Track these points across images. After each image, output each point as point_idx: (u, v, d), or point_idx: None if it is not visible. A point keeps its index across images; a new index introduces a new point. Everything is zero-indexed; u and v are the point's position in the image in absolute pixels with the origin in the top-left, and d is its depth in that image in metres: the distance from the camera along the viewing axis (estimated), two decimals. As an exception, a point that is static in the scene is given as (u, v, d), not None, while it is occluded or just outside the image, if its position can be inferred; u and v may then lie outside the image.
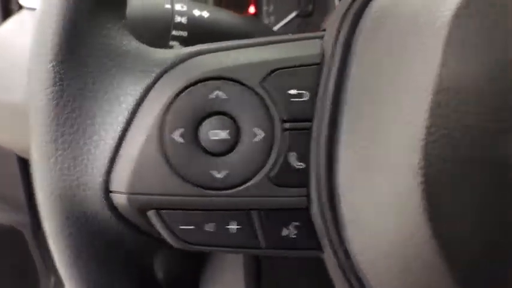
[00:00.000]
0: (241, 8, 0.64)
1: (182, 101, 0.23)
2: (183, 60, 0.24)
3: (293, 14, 0.62)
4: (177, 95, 0.23)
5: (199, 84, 0.23)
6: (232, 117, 0.23)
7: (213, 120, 0.23)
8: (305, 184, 0.22)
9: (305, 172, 0.22)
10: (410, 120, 0.19)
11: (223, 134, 0.23)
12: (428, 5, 0.19)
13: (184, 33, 0.36)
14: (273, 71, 0.23)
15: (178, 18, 0.36)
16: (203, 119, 0.23)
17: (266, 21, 0.64)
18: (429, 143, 0.18)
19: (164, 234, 0.24)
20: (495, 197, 0.18)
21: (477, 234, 0.18)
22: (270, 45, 0.25)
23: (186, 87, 0.23)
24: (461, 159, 0.18)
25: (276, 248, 0.24)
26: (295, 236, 0.23)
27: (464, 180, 0.18)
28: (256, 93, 0.23)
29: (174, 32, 0.36)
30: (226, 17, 0.39)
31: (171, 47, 0.37)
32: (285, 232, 0.23)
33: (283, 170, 0.22)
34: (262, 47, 0.24)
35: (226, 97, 0.23)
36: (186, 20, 0.36)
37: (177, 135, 0.23)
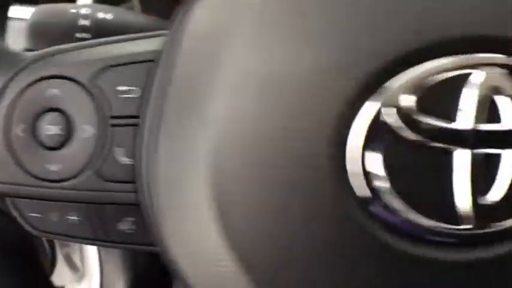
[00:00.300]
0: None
1: (24, 98, 0.25)
2: (37, 60, 0.26)
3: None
4: (22, 92, 0.25)
5: (37, 82, 0.25)
6: (65, 114, 0.24)
7: (47, 116, 0.24)
8: (134, 180, 0.24)
9: (133, 168, 0.24)
10: (209, 124, 0.20)
11: (55, 130, 0.24)
12: None
13: (87, 35, 0.38)
14: (104, 68, 0.24)
15: (82, 21, 0.38)
16: (40, 115, 0.25)
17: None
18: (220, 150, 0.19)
19: (18, 219, 0.26)
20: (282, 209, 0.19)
21: (269, 242, 0.20)
22: (114, 43, 0.26)
23: (28, 85, 0.25)
24: (250, 170, 0.19)
25: (115, 242, 0.25)
26: (132, 231, 0.25)
27: (251, 191, 0.19)
28: (88, 90, 0.24)
29: (77, 35, 0.38)
30: (132, 18, 0.40)
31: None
32: (121, 226, 0.25)
33: (111, 166, 0.24)
34: (105, 45, 0.26)
35: (60, 94, 0.24)
36: (89, 23, 0.38)
37: (19, 130, 0.25)
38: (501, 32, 0.19)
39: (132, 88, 0.24)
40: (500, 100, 0.19)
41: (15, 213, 0.26)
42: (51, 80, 0.25)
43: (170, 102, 0.23)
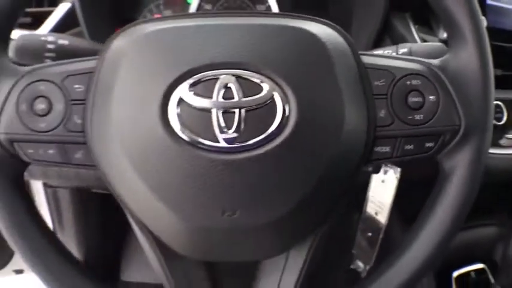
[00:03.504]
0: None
1: (25, 91, 0.47)
2: (30, 71, 0.48)
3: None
4: (23, 88, 0.47)
5: (32, 83, 0.47)
6: (47, 98, 0.47)
7: (38, 99, 0.47)
8: (83, 130, 0.47)
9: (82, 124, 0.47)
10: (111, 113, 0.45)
11: (42, 106, 0.46)
12: None
13: (53, 54, 0.59)
14: (67, 76, 0.47)
15: (48, 45, 0.59)
16: (34, 99, 0.47)
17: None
18: None
19: (21, 155, 0.47)
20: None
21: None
22: (71, 63, 0.49)
23: (27, 85, 0.47)
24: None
25: (73, 164, 0.48)
26: (82, 158, 0.48)
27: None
28: (59, 87, 0.47)
29: (46, 54, 0.60)
30: (81, 43, 0.63)
31: (46, 62, 0.60)
32: (76, 155, 0.47)
33: (71, 124, 0.46)
34: (66, 64, 0.48)
35: (44, 89, 0.47)
36: (53, 46, 0.59)
37: (23, 107, 0.46)
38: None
39: (81, 86, 0.47)
40: (233, 84, 0.43)
41: (20, 152, 0.47)
42: (40, 82, 0.47)
43: (97, 95, 0.46)
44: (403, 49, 0.60)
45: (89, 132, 0.45)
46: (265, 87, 0.43)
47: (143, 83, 0.43)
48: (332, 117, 0.44)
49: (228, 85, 0.43)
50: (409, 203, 0.77)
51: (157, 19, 0.47)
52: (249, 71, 0.43)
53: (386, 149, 0.47)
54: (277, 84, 0.43)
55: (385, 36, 0.81)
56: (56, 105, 0.46)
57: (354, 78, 0.46)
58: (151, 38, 0.44)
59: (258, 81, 0.43)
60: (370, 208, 0.82)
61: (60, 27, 0.75)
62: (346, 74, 0.45)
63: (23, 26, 0.78)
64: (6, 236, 0.49)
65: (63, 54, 0.60)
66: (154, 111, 0.43)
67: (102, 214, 1.31)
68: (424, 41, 0.78)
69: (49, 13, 0.77)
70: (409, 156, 0.48)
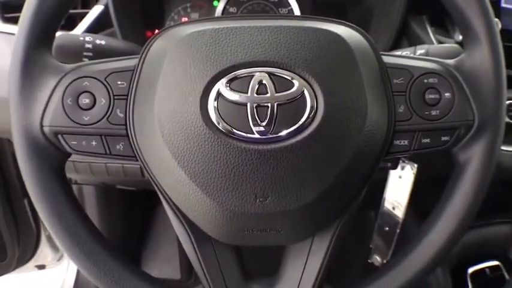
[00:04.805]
0: (151, 31, 0.92)
1: (71, 87, 0.50)
2: (74, 68, 0.52)
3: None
4: (69, 84, 0.50)
5: (77, 79, 0.50)
6: (92, 94, 0.50)
7: (83, 94, 0.50)
8: (124, 123, 0.51)
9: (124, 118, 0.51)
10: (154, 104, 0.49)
11: (87, 101, 0.50)
12: None
13: (90, 54, 0.63)
14: (111, 73, 0.50)
15: (86, 45, 0.63)
16: (80, 93, 0.50)
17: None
18: None
19: (65, 146, 0.50)
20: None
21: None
22: (112, 62, 0.53)
23: (73, 81, 0.51)
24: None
25: (115, 155, 0.51)
26: (123, 150, 0.51)
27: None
28: (103, 83, 0.50)
29: (84, 53, 0.63)
30: (116, 43, 0.66)
31: (84, 61, 0.64)
32: (117, 147, 0.50)
33: (114, 117, 0.50)
34: (107, 63, 0.52)
35: (89, 85, 0.50)
36: (91, 46, 0.63)
37: (68, 101, 0.50)
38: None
39: (124, 82, 0.50)
40: (266, 81, 0.46)
41: (63, 143, 0.50)
42: (84, 78, 0.50)
43: (138, 90, 0.50)
44: (420, 50, 0.64)
45: (131, 125, 0.49)
46: (296, 83, 0.46)
47: (184, 79, 0.46)
48: (356, 112, 0.47)
49: (262, 81, 0.46)
50: (425, 199, 0.79)
51: (195, 21, 0.51)
52: (281, 69, 0.46)
53: (405, 142, 0.50)
54: (306, 81, 0.47)
55: (403, 38, 0.83)
56: (99, 100, 0.49)
57: (376, 77, 0.49)
58: (191, 39, 0.47)
59: (289, 78, 0.47)
60: (388, 203, 0.85)
61: (93, 28, 0.79)
62: (368, 73, 0.49)
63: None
64: (47, 225, 0.52)
65: (99, 53, 0.64)
66: (195, 104, 0.46)
67: (125, 211, 1.35)
68: (440, 42, 0.81)
69: (82, 15, 0.80)
70: (426, 149, 0.51)
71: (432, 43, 0.80)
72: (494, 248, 1.11)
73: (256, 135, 0.45)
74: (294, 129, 0.45)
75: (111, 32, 0.79)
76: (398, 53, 0.64)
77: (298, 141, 0.45)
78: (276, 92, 0.46)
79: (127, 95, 0.49)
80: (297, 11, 0.91)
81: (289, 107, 0.46)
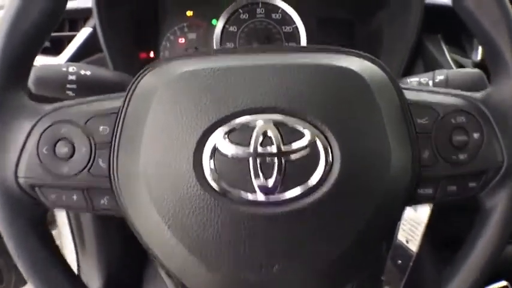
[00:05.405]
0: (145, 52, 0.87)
1: (47, 132, 0.44)
2: (51, 111, 0.45)
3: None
4: (45, 129, 0.44)
5: (54, 124, 0.44)
6: (71, 142, 0.44)
7: (60, 142, 0.44)
8: (108, 175, 0.44)
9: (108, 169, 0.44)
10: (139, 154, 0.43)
11: (65, 150, 0.44)
12: None
13: (74, 86, 0.57)
14: (92, 117, 0.44)
15: (70, 77, 0.57)
16: (57, 141, 0.44)
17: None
18: None
19: (42, 200, 0.44)
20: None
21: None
22: (95, 101, 0.46)
23: (49, 126, 0.44)
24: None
25: (98, 210, 0.44)
26: (107, 204, 0.44)
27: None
28: (83, 129, 0.44)
29: (68, 85, 0.57)
30: (103, 73, 0.60)
31: (67, 94, 0.58)
32: (101, 201, 0.44)
33: (96, 168, 0.43)
34: (90, 103, 0.46)
35: (67, 131, 0.44)
36: (75, 77, 0.57)
37: (44, 149, 0.44)
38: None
39: (106, 127, 0.44)
40: (272, 131, 0.40)
41: (41, 197, 0.44)
42: (61, 123, 0.44)
43: (123, 137, 0.44)
44: (440, 76, 0.58)
45: (115, 178, 0.43)
46: (307, 133, 0.40)
47: (175, 130, 0.40)
48: (378, 161, 0.42)
49: (267, 132, 0.40)
50: (440, 230, 0.74)
51: (188, 57, 0.45)
52: (289, 116, 0.40)
53: (429, 190, 0.45)
54: (319, 129, 0.40)
55: (417, 58, 0.77)
56: (79, 149, 0.43)
57: (398, 117, 0.44)
58: (183, 80, 0.41)
59: (299, 127, 0.40)
60: (401, 236, 0.80)
61: (81, 53, 0.73)
62: (390, 114, 0.43)
63: (42, 51, 0.76)
64: (28, 280, 0.46)
65: (84, 85, 0.58)
66: (188, 160, 0.40)
67: (124, 236, 1.29)
68: (456, 62, 0.75)
69: (70, 38, 0.75)
70: (451, 197, 0.46)
71: (448, 63, 0.74)
72: (504, 269, 1.06)
73: (261, 197, 0.40)
74: (306, 189, 0.40)
75: (101, 57, 0.73)
76: (415, 79, 0.58)
77: (310, 202, 0.40)
78: (284, 144, 0.40)
79: (110, 143, 0.43)
80: (301, 29, 0.86)
81: (299, 161, 0.40)
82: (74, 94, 0.57)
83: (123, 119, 0.43)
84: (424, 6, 0.73)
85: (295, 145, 0.40)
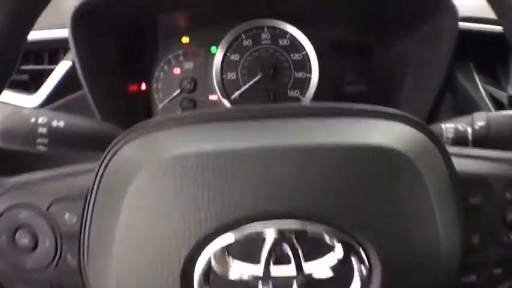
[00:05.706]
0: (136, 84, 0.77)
1: (3, 218, 0.36)
2: (11, 187, 0.36)
3: (177, 91, 0.75)
4: (2, 213, 0.35)
5: (12, 208, 0.35)
6: (31, 229, 0.35)
7: (21, 230, 0.35)
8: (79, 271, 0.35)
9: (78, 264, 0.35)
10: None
11: (26, 241, 0.35)
12: None
13: (45, 140, 0.48)
14: (56, 200, 0.35)
15: (40, 129, 0.48)
16: (16, 229, 0.35)
17: (155, 96, 0.77)
18: None
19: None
20: None
21: None
22: (64, 177, 0.37)
23: (6, 209, 0.36)
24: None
25: None
26: None
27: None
28: (45, 216, 0.35)
29: (38, 140, 0.48)
30: (81, 123, 0.51)
31: (39, 150, 0.48)
32: None
33: (63, 263, 0.35)
34: (56, 180, 0.37)
35: (28, 217, 0.35)
36: (46, 130, 0.48)
37: (2, 237, 0.35)
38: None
39: (73, 214, 0.35)
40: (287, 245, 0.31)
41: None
42: (19, 207, 0.35)
43: (93, 226, 0.34)
44: (480, 122, 0.49)
45: (87, 276, 0.34)
46: (337, 245, 0.30)
47: (156, 237, 0.31)
48: (425, 259, 0.33)
49: (282, 245, 0.30)
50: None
51: (179, 121, 0.35)
52: (311, 221, 0.30)
53: (473, 277, 0.37)
54: (352, 236, 0.30)
55: (446, 89, 0.68)
56: (42, 241, 0.35)
57: (448, 198, 0.34)
58: (170, 169, 0.31)
59: (326, 237, 0.30)
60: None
61: (61, 90, 0.64)
62: (439, 196, 0.33)
63: (18, 86, 0.66)
64: None
65: (57, 139, 0.49)
66: (173, 282, 0.30)
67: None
68: (490, 95, 0.66)
69: (49, 71, 0.66)
70: (495, 282, 0.38)
71: (484, 100, 0.65)
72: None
73: None
74: None
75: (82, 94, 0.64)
76: (451, 125, 0.49)
77: None
78: (306, 261, 0.30)
79: (80, 235, 0.34)
80: (312, 56, 0.76)
81: (327, 283, 0.30)
82: (45, 149, 0.48)
83: (93, 204, 0.34)
84: (458, 32, 0.63)
85: (321, 263, 0.30)
